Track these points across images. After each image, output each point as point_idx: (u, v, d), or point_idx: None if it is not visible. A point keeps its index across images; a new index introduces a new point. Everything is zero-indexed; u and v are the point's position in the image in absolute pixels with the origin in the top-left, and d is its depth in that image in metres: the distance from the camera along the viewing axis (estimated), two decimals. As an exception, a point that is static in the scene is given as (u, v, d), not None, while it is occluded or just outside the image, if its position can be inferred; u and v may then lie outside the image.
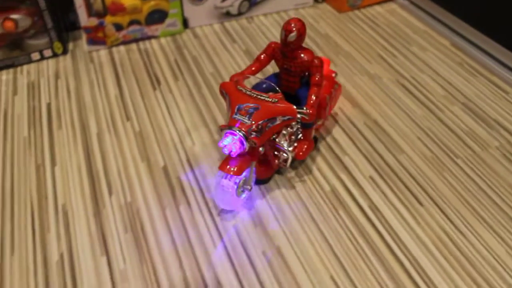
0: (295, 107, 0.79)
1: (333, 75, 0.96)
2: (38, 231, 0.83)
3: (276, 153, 0.88)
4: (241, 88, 0.81)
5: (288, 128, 0.88)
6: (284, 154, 0.87)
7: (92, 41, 1.23)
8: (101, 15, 1.20)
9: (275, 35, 1.27)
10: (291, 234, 0.81)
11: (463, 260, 0.76)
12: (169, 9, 1.25)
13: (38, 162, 0.96)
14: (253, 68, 0.89)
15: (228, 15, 1.32)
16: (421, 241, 0.79)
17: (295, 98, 0.89)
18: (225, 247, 0.79)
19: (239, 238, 0.81)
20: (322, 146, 0.96)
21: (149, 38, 1.28)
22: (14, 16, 1.16)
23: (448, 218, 0.83)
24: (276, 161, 0.88)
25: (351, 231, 0.81)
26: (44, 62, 1.22)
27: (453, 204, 0.84)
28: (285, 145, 0.87)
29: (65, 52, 1.23)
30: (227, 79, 1.12)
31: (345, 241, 0.80)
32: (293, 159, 0.90)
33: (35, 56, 1.22)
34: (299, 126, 0.89)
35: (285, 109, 0.79)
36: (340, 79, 1.12)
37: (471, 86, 1.08)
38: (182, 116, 1.03)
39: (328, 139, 0.98)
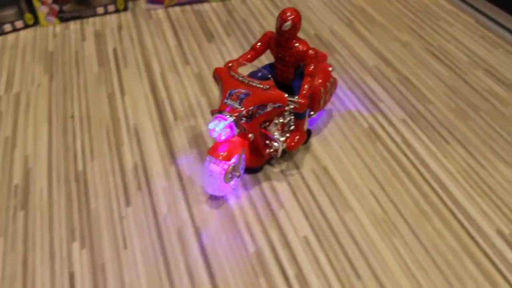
0: (286, 95, 0.80)
1: (330, 68, 0.95)
2: (114, 143, 0.97)
3: (267, 142, 0.87)
4: (233, 74, 0.81)
5: (280, 119, 0.87)
6: (275, 143, 0.87)
7: (151, 1, 1.37)
8: None
9: (310, 4, 1.41)
10: (336, 158, 0.94)
11: (483, 185, 0.89)
12: None
13: (109, 91, 1.09)
14: (248, 56, 0.88)
15: None
16: (447, 170, 0.91)
17: (290, 88, 0.89)
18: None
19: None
20: (364, 92, 1.09)
21: (201, 1, 1.42)
22: None
23: (471, 154, 0.95)
24: (267, 150, 0.88)
25: (386, 158, 0.93)
26: (107, 16, 1.36)
27: (475, 144, 0.97)
28: (276, 134, 0.87)
29: (125, 9, 1.37)
30: None
31: (381, 166, 0.92)
32: (285, 150, 0.90)
33: (100, 10, 1.36)
34: (292, 117, 0.89)
35: (276, 96, 0.79)
36: (375, 43, 1.25)
37: (492, 55, 1.21)
38: None
39: (365, 88, 1.10)
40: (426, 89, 1.11)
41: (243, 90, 0.79)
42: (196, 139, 0.96)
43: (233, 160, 0.80)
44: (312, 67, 0.84)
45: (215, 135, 0.77)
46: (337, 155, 0.93)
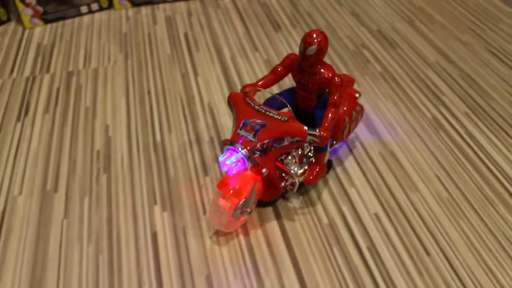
0: (306, 128, 0.73)
1: (356, 95, 0.88)
2: (190, 118, 1.02)
3: (283, 174, 0.80)
4: (249, 102, 0.74)
5: (299, 150, 0.81)
6: (292, 178, 0.79)
7: None
8: None
9: (372, 3, 1.45)
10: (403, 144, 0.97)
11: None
12: None
13: (182, 72, 1.15)
14: (266, 80, 0.82)
15: None
16: (510, 160, 0.94)
17: (312, 117, 0.81)
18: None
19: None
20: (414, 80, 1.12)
21: None
22: None
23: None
24: (283, 183, 0.81)
25: (451, 146, 0.97)
26: (177, 3, 1.42)
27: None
28: (294, 167, 0.80)
29: None
30: (338, 33, 1.29)
31: (446, 153, 0.95)
32: (302, 184, 0.83)
33: None
34: (311, 148, 0.82)
35: (295, 129, 0.72)
36: (436, 41, 1.28)
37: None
38: None
39: (428, 81, 1.13)
40: (488, 86, 1.13)
41: (258, 121, 0.71)
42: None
43: (243, 196, 0.73)
44: (337, 96, 0.76)
45: (225, 168, 0.70)
46: (403, 141, 0.97)
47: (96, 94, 1.07)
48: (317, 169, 0.82)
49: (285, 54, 1.20)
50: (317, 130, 0.74)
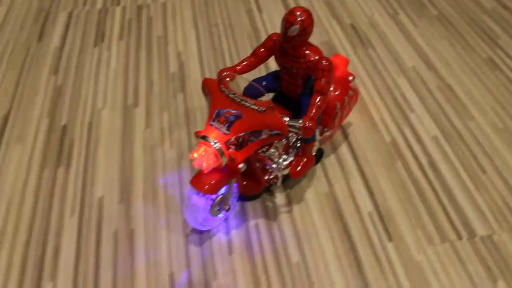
0: (287, 119, 0.66)
1: (350, 78, 0.80)
2: None
3: (266, 167, 0.74)
4: (224, 89, 0.66)
5: (283, 140, 0.74)
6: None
7: None
8: None
9: None
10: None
11: None
12: None
13: (247, 8, 1.21)
14: (246, 63, 0.73)
15: None
16: None
17: (298, 103, 0.74)
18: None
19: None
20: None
21: None
22: None
23: None
24: (266, 176, 0.74)
25: (507, 85, 1.01)
26: None
27: None
28: (277, 159, 0.73)
29: None
30: None
31: (501, 89, 1.00)
32: (287, 176, 0.77)
33: None
34: (298, 137, 0.75)
35: (273, 121, 0.64)
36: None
37: None
38: (359, 3, 1.26)
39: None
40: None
41: (233, 111, 0.63)
42: (331, 48, 1.07)
43: (221, 191, 0.68)
44: (324, 81, 0.67)
45: (196, 165, 0.63)
46: (459, 77, 1.02)
47: (166, 25, 1.14)
48: (304, 161, 0.74)
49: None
50: (300, 121, 0.66)
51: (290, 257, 0.71)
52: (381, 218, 0.75)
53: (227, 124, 0.63)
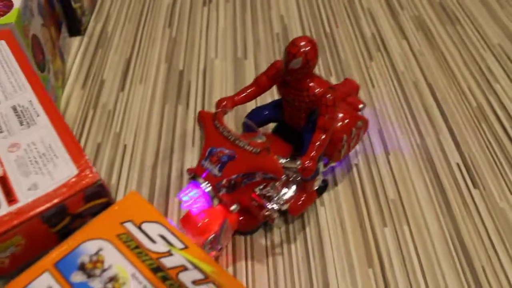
0: (283, 161, 0.62)
1: (360, 106, 0.77)
2: (353, 18, 1.18)
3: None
4: (218, 126, 0.62)
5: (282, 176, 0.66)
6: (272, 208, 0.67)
7: None
8: None
9: None
10: None
11: None
12: None
13: None
14: (246, 93, 0.68)
15: None
16: None
17: (300, 137, 0.70)
18: None
19: None
20: None
21: None
22: None
23: None
24: (262, 212, 0.68)
25: None
26: None
27: None
28: (273, 199, 0.68)
29: None
30: None
31: None
32: (283, 212, 0.73)
33: None
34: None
35: (267, 165, 0.59)
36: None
37: None
38: None
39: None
40: None
41: (226, 151, 0.59)
42: (421, 23, 1.17)
43: (212, 232, 0.64)
44: (327, 117, 0.63)
45: (185, 206, 0.60)
46: None
47: None
48: (304, 198, 0.70)
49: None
50: (298, 163, 0.62)
51: (387, 194, 0.81)
52: (467, 168, 0.85)
53: (219, 165, 0.59)
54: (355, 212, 0.77)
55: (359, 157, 0.85)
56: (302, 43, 0.59)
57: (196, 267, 0.49)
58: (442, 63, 1.04)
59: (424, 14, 1.18)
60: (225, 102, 0.66)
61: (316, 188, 0.72)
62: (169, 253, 0.50)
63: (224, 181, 0.58)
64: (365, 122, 0.75)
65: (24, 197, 0.50)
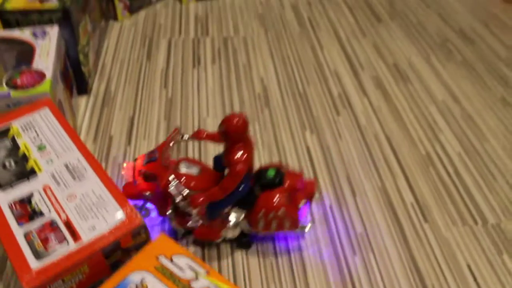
0: (171, 179, 0.81)
1: (299, 205, 0.86)
2: (322, 77, 1.41)
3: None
4: (169, 143, 0.88)
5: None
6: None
7: None
8: None
9: (454, 8, 1.82)
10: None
11: None
12: None
13: (311, 45, 1.54)
14: (212, 136, 0.87)
15: None
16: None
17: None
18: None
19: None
20: None
21: None
22: None
23: None
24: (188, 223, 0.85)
25: None
26: None
27: None
28: (193, 214, 0.82)
29: None
30: (426, 33, 1.67)
31: None
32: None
33: None
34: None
35: (160, 175, 0.83)
36: (507, 41, 1.61)
37: None
38: (399, 47, 1.60)
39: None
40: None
41: (157, 154, 0.89)
42: (379, 82, 1.40)
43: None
44: (229, 181, 0.76)
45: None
46: (477, 108, 1.33)
47: (248, 55, 1.48)
48: (207, 229, 0.85)
49: (387, 41, 1.58)
50: (187, 191, 0.80)
51: (356, 228, 1.01)
52: (419, 205, 1.06)
53: (148, 159, 0.87)
54: (329, 242, 0.97)
55: (332, 199, 1.05)
56: (230, 118, 0.74)
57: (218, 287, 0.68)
58: (396, 116, 1.26)
59: (381, 74, 1.42)
60: (204, 134, 0.85)
61: (229, 237, 0.88)
62: (196, 278, 0.69)
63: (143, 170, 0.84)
64: (294, 220, 0.84)
65: (86, 236, 0.68)
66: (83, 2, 1.28)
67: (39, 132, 0.83)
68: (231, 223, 0.84)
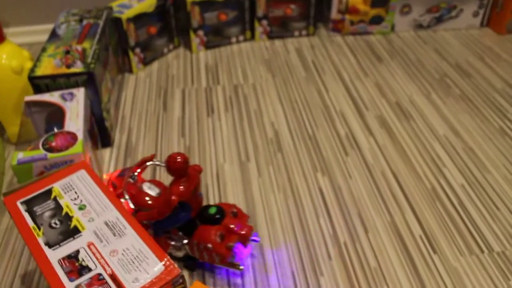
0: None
1: (240, 268, 1.00)
2: (329, 119, 1.51)
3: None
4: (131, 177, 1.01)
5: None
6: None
7: (334, 29, 1.94)
8: (343, 13, 1.92)
9: (450, 43, 1.93)
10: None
11: None
12: (385, 17, 1.95)
13: (317, 88, 1.65)
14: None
15: (420, 26, 2.01)
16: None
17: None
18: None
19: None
20: None
21: (368, 33, 1.98)
22: (292, 6, 1.90)
23: None
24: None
25: None
26: (301, 38, 1.95)
27: None
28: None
29: (314, 34, 1.95)
30: (425, 70, 1.79)
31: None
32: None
33: (296, 33, 1.94)
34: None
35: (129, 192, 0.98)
36: (502, 72, 1.72)
37: None
38: (400, 85, 1.71)
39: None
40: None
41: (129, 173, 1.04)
42: (383, 121, 1.49)
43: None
44: (163, 207, 0.93)
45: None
46: (477, 140, 1.43)
47: (258, 101, 1.58)
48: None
49: (388, 80, 1.68)
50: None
51: (370, 263, 1.08)
52: (427, 238, 1.15)
53: (120, 174, 1.07)
54: (346, 278, 1.05)
55: (345, 236, 1.14)
56: (174, 156, 0.93)
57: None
58: (401, 153, 1.35)
59: (385, 113, 1.51)
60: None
61: (175, 255, 1.02)
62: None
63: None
64: (220, 255, 0.95)
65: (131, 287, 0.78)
66: (103, 61, 1.39)
67: (78, 193, 0.92)
68: (172, 243, 0.98)
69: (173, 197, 0.91)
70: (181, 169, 0.93)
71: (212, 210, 0.97)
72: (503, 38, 1.94)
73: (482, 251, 1.08)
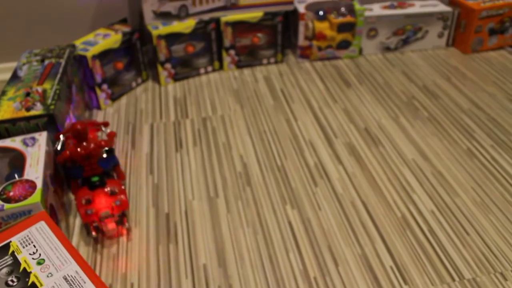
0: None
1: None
2: (298, 150, 1.50)
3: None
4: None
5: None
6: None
7: (302, 56, 1.95)
8: (310, 39, 1.93)
9: (417, 64, 1.95)
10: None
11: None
12: (353, 41, 1.96)
13: (285, 117, 1.64)
14: None
15: (388, 49, 2.02)
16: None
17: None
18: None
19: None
20: None
21: (336, 58, 1.99)
22: (259, 34, 1.90)
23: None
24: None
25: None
26: (270, 66, 1.95)
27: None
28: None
29: (282, 61, 1.96)
30: (393, 93, 1.80)
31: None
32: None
33: (264, 61, 1.94)
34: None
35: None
36: (468, 92, 1.76)
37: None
38: (369, 110, 1.71)
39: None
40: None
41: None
42: (352, 148, 1.49)
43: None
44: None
45: None
46: (445, 164, 1.44)
47: (227, 133, 1.57)
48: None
49: (357, 105, 1.68)
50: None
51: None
52: (398, 269, 1.14)
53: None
54: None
55: (315, 271, 1.12)
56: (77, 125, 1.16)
57: None
58: (371, 181, 1.35)
59: (354, 140, 1.51)
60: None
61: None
62: None
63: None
64: (79, 211, 1.17)
65: None
66: (65, 100, 1.37)
67: (37, 246, 0.90)
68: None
69: (67, 152, 1.13)
70: (79, 134, 1.16)
71: (95, 178, 1.18)
72: (468, 58, 1.96)
73: (453, 279, 1.07)
